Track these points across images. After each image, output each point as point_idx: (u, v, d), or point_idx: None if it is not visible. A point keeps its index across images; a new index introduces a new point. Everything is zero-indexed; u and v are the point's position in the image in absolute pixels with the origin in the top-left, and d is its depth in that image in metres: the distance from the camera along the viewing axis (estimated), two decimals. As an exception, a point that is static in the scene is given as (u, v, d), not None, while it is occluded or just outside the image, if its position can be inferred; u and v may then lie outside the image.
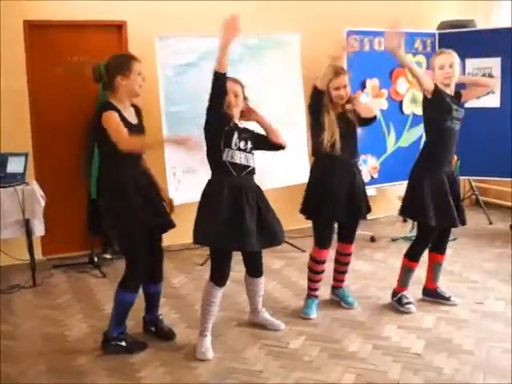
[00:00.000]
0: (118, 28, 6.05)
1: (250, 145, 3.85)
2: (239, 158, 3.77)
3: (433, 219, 4.21)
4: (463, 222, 4.38)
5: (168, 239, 6.19)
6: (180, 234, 5.93)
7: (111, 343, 3.87)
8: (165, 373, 3.61)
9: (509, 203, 7.34)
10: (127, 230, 3.71)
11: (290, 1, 6.52)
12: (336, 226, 4.50)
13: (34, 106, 5.79)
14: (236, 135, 3.78)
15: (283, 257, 5.87)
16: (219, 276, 3.82)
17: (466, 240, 6.19)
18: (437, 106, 4.19)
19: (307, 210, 4.33)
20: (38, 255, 5.67)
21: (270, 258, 5.63)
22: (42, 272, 5.43)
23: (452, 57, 4.23)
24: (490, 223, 6.89)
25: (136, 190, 3.71)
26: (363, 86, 6.38)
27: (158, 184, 3.97)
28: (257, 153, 3.93)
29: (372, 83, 6.47)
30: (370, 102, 6.41)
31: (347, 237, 4.47)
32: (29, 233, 5.20)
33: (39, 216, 5.17)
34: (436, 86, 4.17)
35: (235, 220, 3.67)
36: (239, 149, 3.78)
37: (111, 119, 3.58)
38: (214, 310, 3.88)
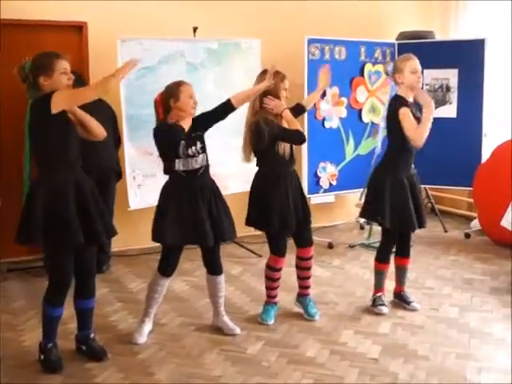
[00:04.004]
0: (79, 29, 5.97)
1: (199, 145, 3.94)
2: (191, 163, 3.90)
3: (390, 221, 4.34)
4: (421, 225, 4.48)
5: (126, 244, 6.18)
6: (138, 239, 5.95)
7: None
8: (123, 378, 3.57)
9: (463, 211, 7.49)
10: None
11: (251, 7, 6.54)
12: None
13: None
14: (184, 143, 3.87)
15: (241, 262, 5.87)
16: (166, 267, 4.04)
17: (422, 247, 6.27)
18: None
19: (255, 221, 4.31)
20: (-8, 259, 5.56)
21: (229, 264, 5.62)
22: (-4, 276, 5.32)
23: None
24: (445, 231, 7.00)
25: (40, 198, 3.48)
26: (323, 94, 6.42)
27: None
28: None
29: (332, 91, 6.53)
30: (330, 109, 6.52)
31: (304, 242, 4.41)
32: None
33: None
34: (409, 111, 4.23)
35: (189, 217, 3.86)
36: (188, 156, 3.89)
37: None
38: (157, 298, 4.10)
